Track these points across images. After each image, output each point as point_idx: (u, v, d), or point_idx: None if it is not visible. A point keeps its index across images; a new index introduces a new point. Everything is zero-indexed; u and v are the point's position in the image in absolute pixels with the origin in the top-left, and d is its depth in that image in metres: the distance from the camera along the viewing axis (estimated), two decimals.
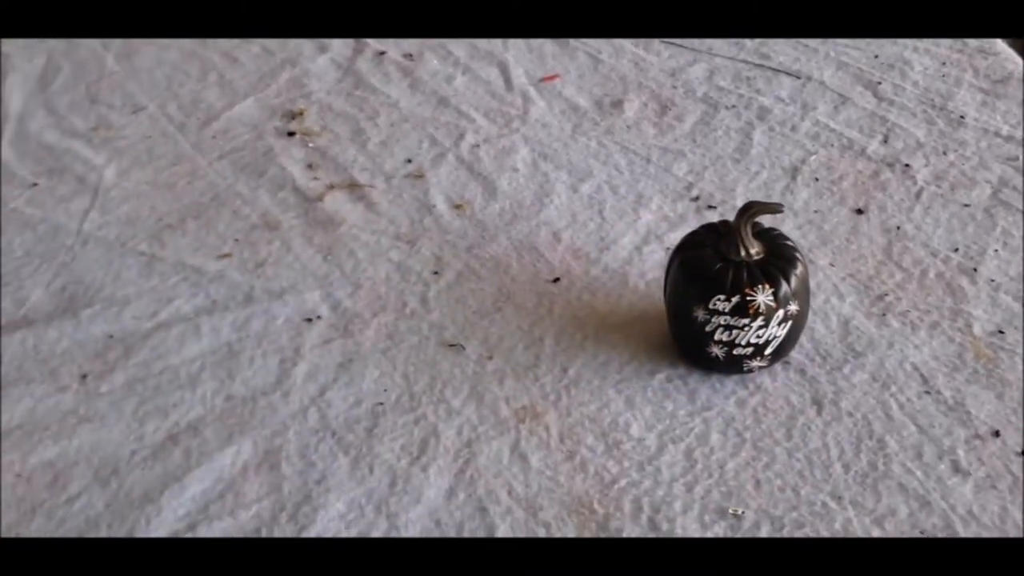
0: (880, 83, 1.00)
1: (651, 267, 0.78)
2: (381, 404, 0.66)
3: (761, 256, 0.65)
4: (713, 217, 0.83)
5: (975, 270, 0.76)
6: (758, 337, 0.64)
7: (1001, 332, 0.70)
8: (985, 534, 0.57)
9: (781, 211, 0.64)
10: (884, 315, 0.72)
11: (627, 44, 1.10)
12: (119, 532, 0.58)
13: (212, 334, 0.72)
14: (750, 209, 0.64)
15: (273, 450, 0.63)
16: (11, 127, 0.97)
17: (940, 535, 0.57)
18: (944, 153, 0.90)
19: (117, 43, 1.12)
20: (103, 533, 0.58)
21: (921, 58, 1.04)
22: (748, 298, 0.63)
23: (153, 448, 0.63)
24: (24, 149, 0.94)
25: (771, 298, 0.63)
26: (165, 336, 0.72)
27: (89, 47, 1.12)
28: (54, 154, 0.94)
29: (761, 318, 0.63)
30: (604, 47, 1.09)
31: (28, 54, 1.11)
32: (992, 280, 0.75)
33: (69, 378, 0.69)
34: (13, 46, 1.12)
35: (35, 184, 0.89)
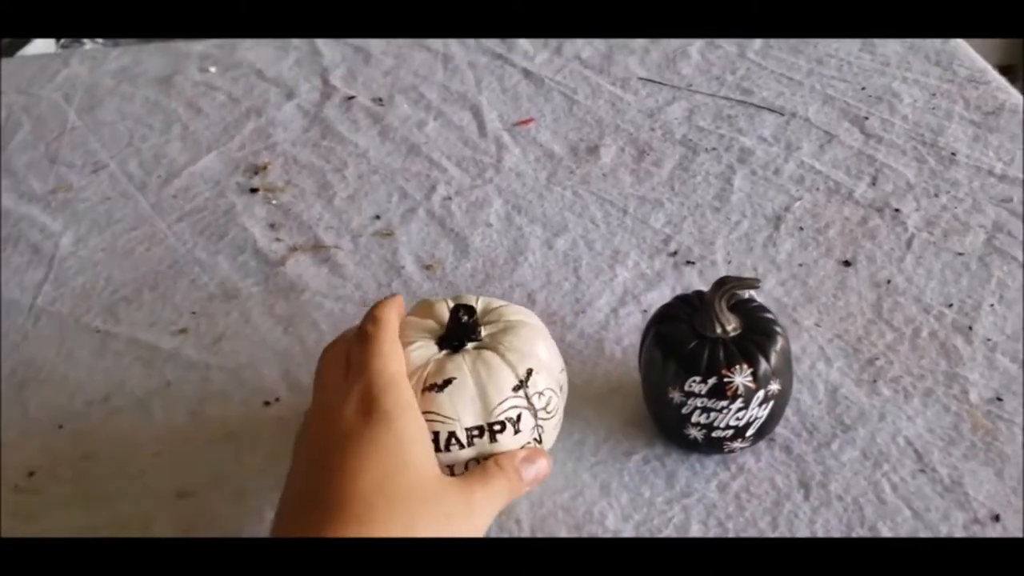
0: (867, 118, 0.97)
1: (627, 331, 0.74)
2: None
3: (738, 332, 0.61)
4: (691, 274, 0.79)
5: (970, 328, 0.72)
6: (737, 419, 0.60)
7: (999, 399, 0.66)
8: None
9: (758, 287, 0.60)
10: (875, 382, 0.69)
11: (604, 83, 1.06)
12: None
13: (165, 419, 0.68)
14: (724, 284, 0.60)
15: None
16: None
17: None
18: (935, 195, 0.86)
19: (80, 96, 1.09)
20: None
21: (910, 89, 1.01)
22: (725, 380, 0.59)
23: None
24: None
25: (750, 379, 0.59)
26: (118, 423, 0.68)
27: (51, 101, 1.09)
28: (11, 220, 0.90)
29: (740, 400, 0.59)
30: (580, 87, 1.06)
31: None
32: (988, 339, 0.71)
33: (15, 476, 0.65)
34: None
35: None
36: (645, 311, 0.76)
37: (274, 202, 0.91)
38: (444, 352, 0.59)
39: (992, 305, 0.74)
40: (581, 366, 0.72)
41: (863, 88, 1.01)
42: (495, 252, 0.84)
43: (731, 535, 0.59)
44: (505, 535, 0.60)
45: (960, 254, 0.79)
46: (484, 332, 0.59)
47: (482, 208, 0.89)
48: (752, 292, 0.64)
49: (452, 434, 0.57)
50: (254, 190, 0.92)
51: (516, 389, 0.57)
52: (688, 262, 0.81)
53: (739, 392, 0.59)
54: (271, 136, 1.00)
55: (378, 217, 0.88)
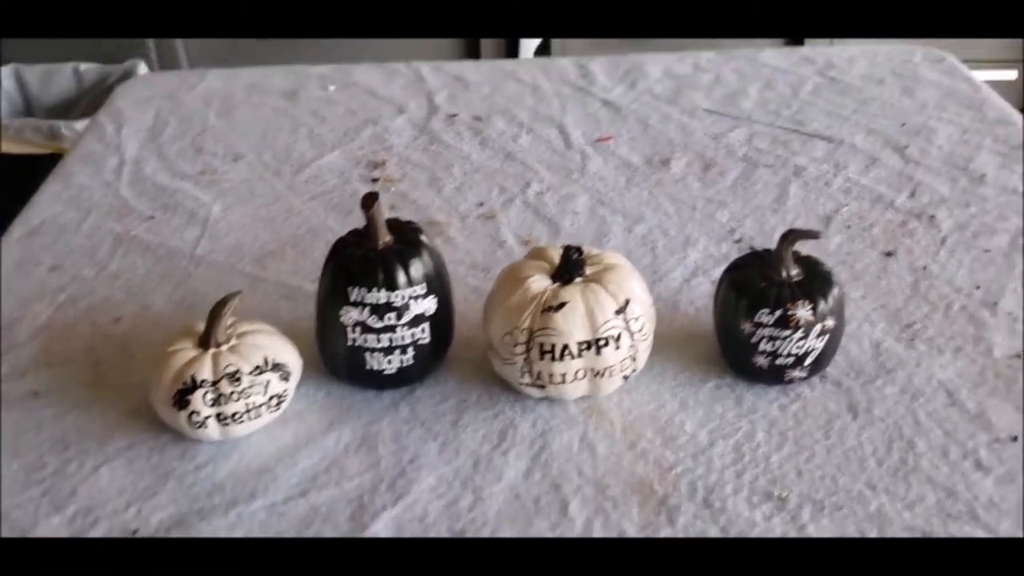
0: (907, 147, 1.10)
1: (699, 296, 0.87)
2: (464, 401, 0.75)
3: (801, 277, 0.74)
4: None
5: (995, 304, 0.84)
6: (799, 348, 0.73)
7: (1019, 356, 0.78)
8: (1005, 520, 0.64)
9: (819, 237, 0.73)
10: (912, 340, 0.81)
11: (673, 112, 1.21)
12: (242, 495, 0.67)
13: (311, 341, 0.81)
14: (791, 235, 0.73)
15: (370, 436, 0.72)
16: (128, 170, 1.10)
17: (965, 520, 0.64)
18: (967, 206, 0.99)
19: (217, 103, 1.26)
20: (227, 496, 0.67)
21: (945, 127, 1.15)
22: (789, 312, 0.72)
23: (267, 431, 0.72)
24: (141, 189, 1.06)
25: (810, 313, 0.72)
26: None
27: (193, 106, 1.26)
28: (167, 192, 1.06)
29: (801, 330, 0.72)
30: (653, 114, 1.21)
31: (139, 110, 1.24)
32: (1010, 313, 0.83)
33: None
34: (125, 102, 1.26)
35: (152, 217, 1.01)
36: (714, 282, 0.89)
37: (392, 190, 1.06)
38: (557, 284, 0.72)
39: (1015, 289, 0.86)
40: (660, 319, 0.84)
41: (903, 124, 1.16)
42: (583, 234, 0.97)
43: (791, 442, 0.71)
44: (601, 434, 0.72)
45: (987, 251, 0.92)
46: (588, 271, 0.73)
47: (570, 201, 1.03)
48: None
49: (566, 346, 0.70)
50: (375, 179, 1.07)
51: (617, 313, 0.71)
52: (752, 249, 0.94)
53: (800, 323, 0.72)
54: (386, 141, 1.16)
55: (482, 204, 1.03)
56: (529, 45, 2.11)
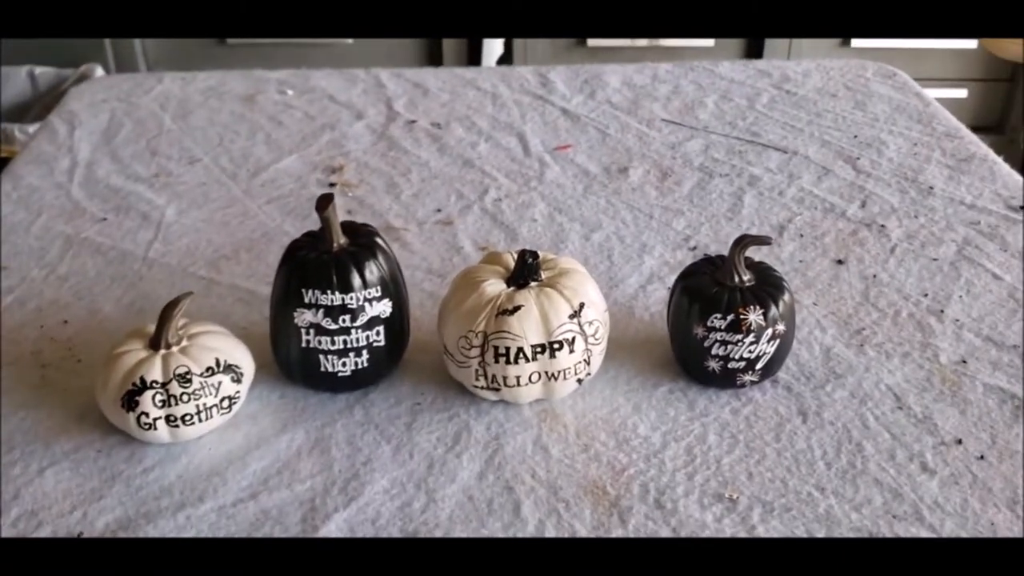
0: (859, 159, 1.13)
1: (654, 302, 0.88)
2: (419, 404, 0.75)
3: (753, 283, 0.75)
4: None
5: (942, 312, 0.86)
6: (750, 352, 0.74)
7: (964, 362, 0.80)
8: (948, 521, 0.65)
9: (770, 243, 0.74)
10: (862, 346, 0.82)
11: (632, 122, 1.22)
12: (190, 497, 0.66)
13: (265, 344, 0.81)
14: (743, 241, 0.74)
15: (323, 438, 0.72)
16: (81, 172, 1.08)
17: (910, 521, 0.65)
18: (915, 216, 1.01)
19: (173, 106, 1.25)
20: (176, 499, 0.66)
21: (896, 140, 1.17)
22: (741, 316, 0.73)
23: (219, 433, 0.71)
24: (93, 190, 1.05)
25: (761, 317, 0.73)
26: None
27: (149, 109, 1.24)
28: (120, 195, 1.04)
29: (752, 335, 0.73)
30: (611, 123, 1.22)
31: (93, 112, 1.23)
32: (957, 320, 0.85)
33: None
34: (79, 104, 1.24)
35: (104, 219, 0.99)
36: (669, 288, 0.90)
37: (350, 194, 1.05)
38: (512, 288, 0.72)
39: (961, 296, 0.88)
40: (615, 325, 0.85)
41: (855, 136, 1.18)
42: (540, 241, 0.98)
43: (741, 444, 0.72)
44: (554, 436, 0.72)
45: (935, 259, 0.94)
46: (543, 275, 0.73)
47: (528, 208, 1.03)
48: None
49: (520, 349, 0.70)
50: (332, 184, 1.07)
51: (572, 317, 0.71)
52: (706, 256, 0.95)
53: (752, 328, 0.73)
54: (344, 146, 1.16)
55: (439, 210, 1.03)
56: (492, 53, 2.12)
